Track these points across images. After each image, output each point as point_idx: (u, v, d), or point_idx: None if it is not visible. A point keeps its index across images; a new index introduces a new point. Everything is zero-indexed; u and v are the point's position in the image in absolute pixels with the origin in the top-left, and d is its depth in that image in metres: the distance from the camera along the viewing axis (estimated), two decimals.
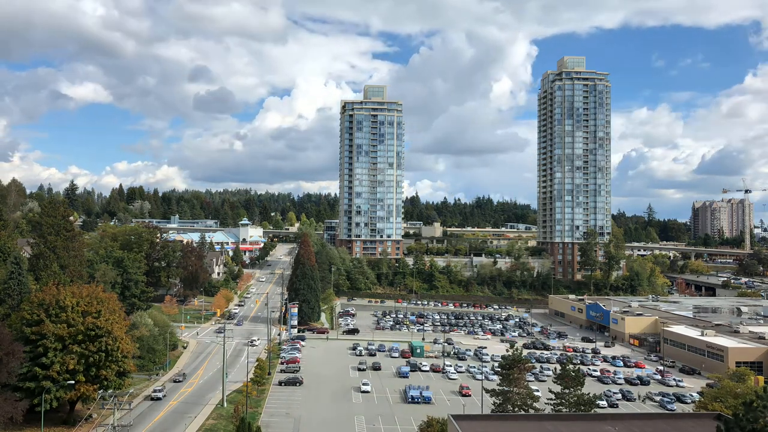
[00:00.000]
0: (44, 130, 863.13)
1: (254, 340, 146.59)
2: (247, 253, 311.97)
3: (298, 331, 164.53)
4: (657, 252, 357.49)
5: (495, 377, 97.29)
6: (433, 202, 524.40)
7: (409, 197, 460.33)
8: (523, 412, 72.12)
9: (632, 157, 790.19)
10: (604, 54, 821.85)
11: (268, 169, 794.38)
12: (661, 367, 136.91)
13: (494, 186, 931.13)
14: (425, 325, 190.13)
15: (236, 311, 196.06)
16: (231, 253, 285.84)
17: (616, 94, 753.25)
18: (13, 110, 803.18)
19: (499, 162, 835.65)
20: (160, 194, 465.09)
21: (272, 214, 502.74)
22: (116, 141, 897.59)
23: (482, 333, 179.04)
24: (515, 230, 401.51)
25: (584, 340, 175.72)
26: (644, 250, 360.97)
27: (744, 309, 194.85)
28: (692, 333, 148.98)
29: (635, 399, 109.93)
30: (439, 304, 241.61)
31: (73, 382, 77.78)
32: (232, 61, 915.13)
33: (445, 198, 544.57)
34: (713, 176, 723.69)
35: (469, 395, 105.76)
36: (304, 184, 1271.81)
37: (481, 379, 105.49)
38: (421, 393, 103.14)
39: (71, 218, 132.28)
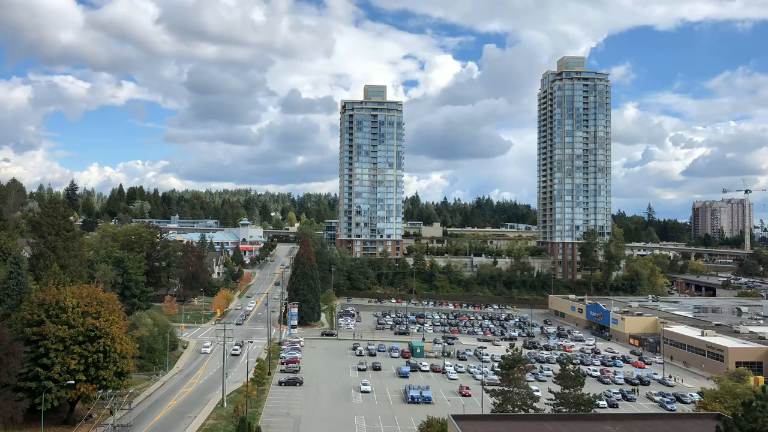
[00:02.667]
0: (68, 129, 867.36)
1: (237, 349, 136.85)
2: (247, 253, 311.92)
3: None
4: (657, 252, 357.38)
5: (495, 377, 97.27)
6: (433, 202, 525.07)
7: (409, 197, 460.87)
8: (523, 412, 72.13)
9: (632, 157, 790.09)
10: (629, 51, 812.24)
11: (280, 168, 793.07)
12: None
13: (500, 184, 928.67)
14: (425, 325, 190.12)
15: (236, 311, 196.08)
16: (231, 253, 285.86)
17: (627, 91, 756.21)
18: (40, 110, 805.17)
19: (502, 161, 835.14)
20: (160, 194, 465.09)
21: (272, 214, 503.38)
22: (130, 142, 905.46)
23: (482, 333, 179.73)
24: (515, 230, 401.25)
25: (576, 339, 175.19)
26: (644, 250, 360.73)
27: (744, 309, 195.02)
28: (692, 333, 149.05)
29: (635, 398, 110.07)
30: (440, 304, 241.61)
31: (73, 381, 77.84)
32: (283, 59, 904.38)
33: (445, 198, 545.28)
34: (713, 176, 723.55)
35: (469, 395, 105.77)
36: (311, 185, 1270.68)
37: (481, 379, 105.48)
38: (421, 393, 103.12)
39: (71, 218, 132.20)
